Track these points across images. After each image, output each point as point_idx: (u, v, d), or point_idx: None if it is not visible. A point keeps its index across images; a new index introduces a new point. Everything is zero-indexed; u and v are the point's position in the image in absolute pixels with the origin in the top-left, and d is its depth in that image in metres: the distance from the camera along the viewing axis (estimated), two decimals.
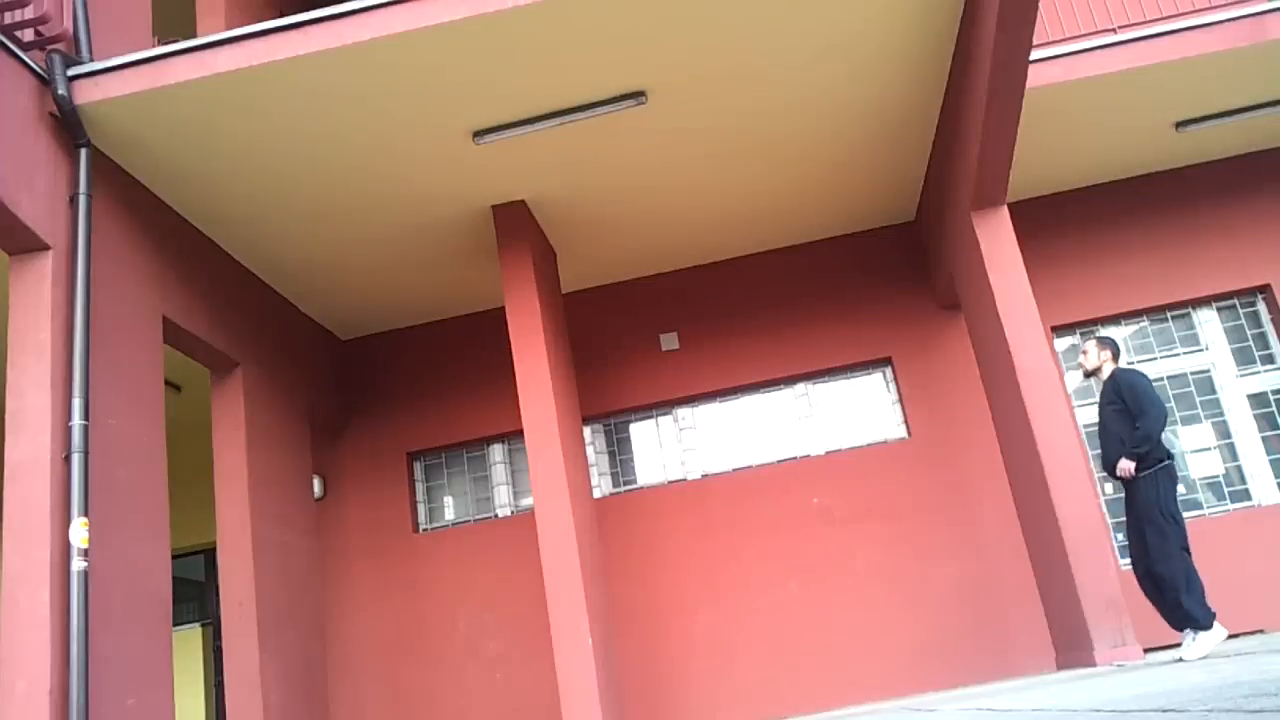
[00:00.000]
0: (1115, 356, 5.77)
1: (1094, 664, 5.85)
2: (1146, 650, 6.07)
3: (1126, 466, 5.38)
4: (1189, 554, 5.31)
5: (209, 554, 9.37)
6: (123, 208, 5.75)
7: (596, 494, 8.22)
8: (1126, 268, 8.14)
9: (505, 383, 7.54)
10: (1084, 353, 5.86)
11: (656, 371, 8.41)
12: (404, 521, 8.35)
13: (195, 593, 9.90)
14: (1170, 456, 5.43)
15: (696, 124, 6.49)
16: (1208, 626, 5.12)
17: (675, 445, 8.42)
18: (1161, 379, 8.02)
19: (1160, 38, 6.73)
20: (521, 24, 5.26)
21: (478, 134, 6.11)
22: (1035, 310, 6.50)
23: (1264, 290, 8.07)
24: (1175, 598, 5.19)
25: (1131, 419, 5.42)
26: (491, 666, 7.89)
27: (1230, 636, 7.05)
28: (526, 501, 8.37)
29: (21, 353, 4.94)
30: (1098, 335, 5.88)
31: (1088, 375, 5.87)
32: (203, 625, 9.64)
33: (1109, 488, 7.82)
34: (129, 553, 5.26)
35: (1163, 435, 5.41)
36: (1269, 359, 8.01)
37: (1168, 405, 7.91)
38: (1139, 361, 8.08)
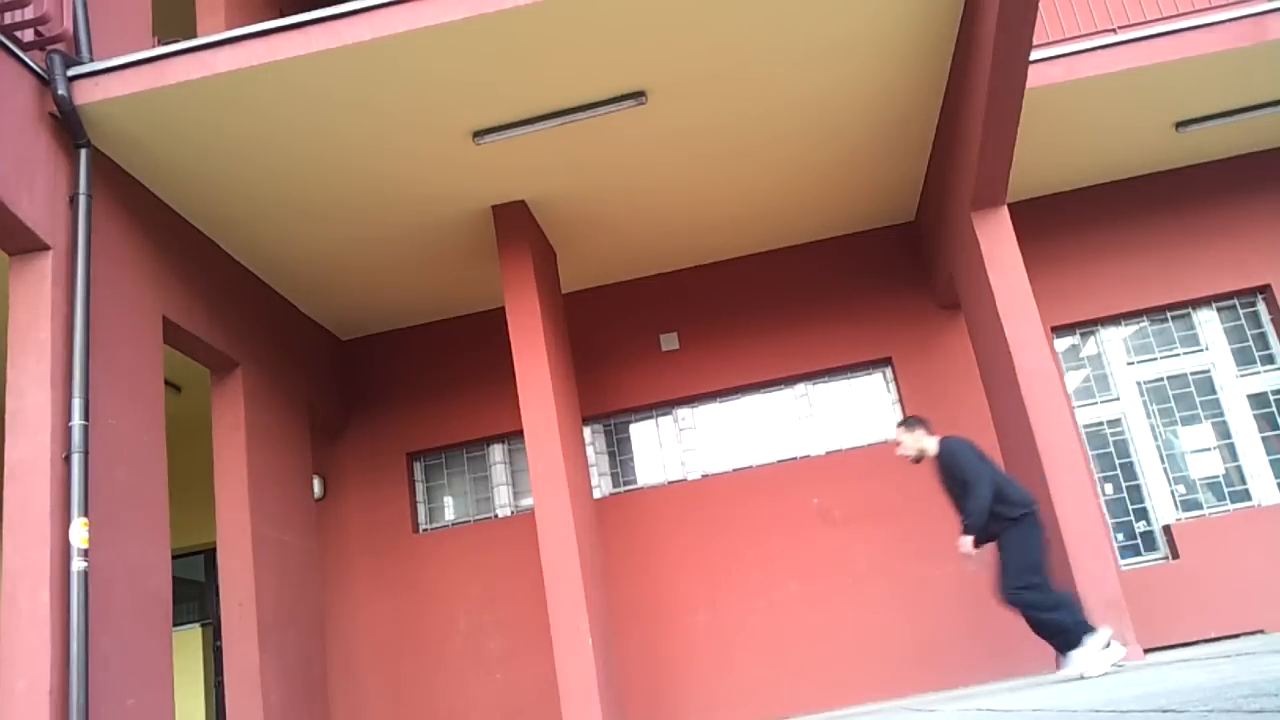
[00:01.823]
0: (929, 429, 5.64)
1: None
2: (1147, 650, 6.07)
3: (966, 544, 5.30)
4: (1051, 590, 5.28)
5: (209, 554, 9.37)
6: (123, 208, 5.75)
7: (596, 494, 8.22)
8: (1126, 268, 8.14)
9: (505, 383, 7.55)
10: (898, 443, 5.68)
11: (656, 371, 8.40)
12: (404, 521, 8.35)
13: (195, 593, 9.90)
14: (1031, 504, 5.36)
15: (696, 124, 6.50)
16: (1092, 631, 5.09)
17: (675, 445, 8.42)
18: (1161, 379, 8.03)
19: (1160, 38, 6.73)
20: (521, 24, 5.26)
21: (478, 134, 6.11)
22: (1035, 310, 6.49)
23: (1264, 290, 8.07)
24: (1047, 622, 5.15)
25: (999, 474, 5.42)
26: (491, 666, 7.89)
27: (1230, 636, 7.06)
28: (526, 501, 8.37)
29: (21, 353, 4.94)
30: (900, 420, 5.73)
31: (916, 462, 5.70)
32: (203, 625, 9.64)
33: (1109, 488, 7.83)
34: (129, 553, 5.26)
35: (1020, 490, 5.40)
36: (1269, 359, 8.01)
37: (1168, 405, 7.93)
38: (1139, 362, 8.08)
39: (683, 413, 8.48)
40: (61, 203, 5.21)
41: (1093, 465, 7.79)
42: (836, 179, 7.59)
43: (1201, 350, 8.08)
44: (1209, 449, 7.87)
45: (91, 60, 5.38)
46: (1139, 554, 7.66)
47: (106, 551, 5.02)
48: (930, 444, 5.58)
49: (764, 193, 7.58)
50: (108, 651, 4.91)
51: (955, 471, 5.42)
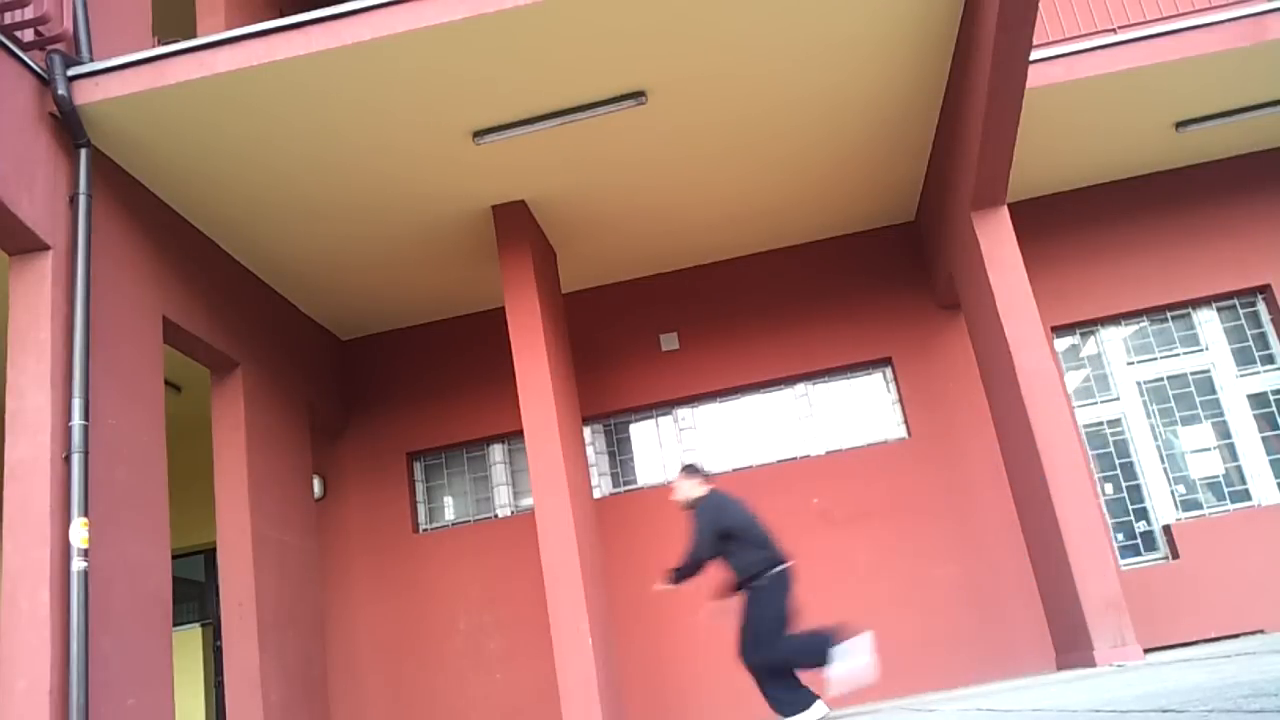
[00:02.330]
0: (705, 479, 5.64)
1: (1094, 664, 5.85)
2: (1146, 650, 6.07)
3: (660, 585, 5.53)
4: (790, 643, 5.42)
5: (209, 554, 9.36)
6: (123, 208, 5.75)
7: (596, 494, 8.21)
8: (1126, 268, 8.13)
9: (505, 383, 7.53)
10: (673, 488, 5.73)
11: (656, 371, 8.40)
12: (404, 521, 8.34)
13: (195, 593, 9.90)
14: (782, 561, 5.50)
15: (696, 123, 6.49)
16: (806, 708, 5.21)
17: (675, 445, 8.41)
18: (1161, 379, 8.03)
19: (1160, 38, 6.73)
20: (521, 24, 5.26)
21: (478, 134, 6.11)
22: (1035, 310, 6.50)
23: (1264, 290, 8.07)
24: (769, 688, 5.32)
25: (742, 534, 5.46)
26: (491, 666, 7.89)
27: (1230, 636, 7.07)
28: (526, 501, 8.37)
29: (21, 353, 4.94)
30: (683, 465, 5.77)
31: (690, 508, 5.67)
32: (203, 625, 9.64)
33: (1109, 488, 7.83)
34: (129, 553, 5.26)
35: (772, 543, 5.50)
36: (1269, 359, 8.01)
37: (1168, 405, 7.93)
38: (1139, 362, 8.08)
39: (683, 413, 8.48)
40: (61, 203, 5.21)
41: (1093, 465, 7.79)
42: (836, 179, 7.59)
43: (1201, 350, 8.08)
44: (1209, 449, 7.87)
45: (91, 60, 5.38)
46: (1139, 554, 7.66)
47: (106, 551, 5.02)
48: (697, 494, 5.61)
49: (764, 192, 7.58)
50: (108, 651, 4.91)
51: (694, 524, 5.49)
